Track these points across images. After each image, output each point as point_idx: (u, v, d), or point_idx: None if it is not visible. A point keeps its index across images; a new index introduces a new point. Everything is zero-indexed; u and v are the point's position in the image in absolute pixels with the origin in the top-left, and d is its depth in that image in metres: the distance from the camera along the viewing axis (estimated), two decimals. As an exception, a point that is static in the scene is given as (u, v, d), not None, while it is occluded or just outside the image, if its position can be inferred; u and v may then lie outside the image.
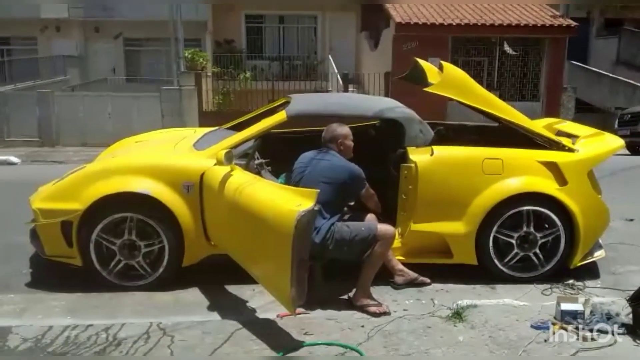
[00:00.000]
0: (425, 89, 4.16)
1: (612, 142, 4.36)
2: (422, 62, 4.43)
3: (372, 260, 3.49)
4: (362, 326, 3.26)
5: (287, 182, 4.29)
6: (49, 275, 4.09)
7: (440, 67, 4.19)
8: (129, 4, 17.82)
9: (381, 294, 3.71)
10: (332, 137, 3.70)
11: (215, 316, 3.44)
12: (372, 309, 3.45)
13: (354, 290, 3.58)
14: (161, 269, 3.83)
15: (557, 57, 15.30)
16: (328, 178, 3.53)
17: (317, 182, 3.48)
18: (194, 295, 3.76)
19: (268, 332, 3.20)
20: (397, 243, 3.89)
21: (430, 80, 4.29)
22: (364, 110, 4.32)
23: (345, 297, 3.65)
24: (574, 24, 15.17)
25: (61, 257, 3.87)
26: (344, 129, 3.74)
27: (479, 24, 14.68)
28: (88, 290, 3.80)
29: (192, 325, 3.27)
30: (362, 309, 3.47)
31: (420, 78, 4.46)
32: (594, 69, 17.55)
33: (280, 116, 4.04)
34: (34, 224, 3.89)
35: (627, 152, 10.80)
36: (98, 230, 3.74)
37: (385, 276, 3.83)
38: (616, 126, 11.78)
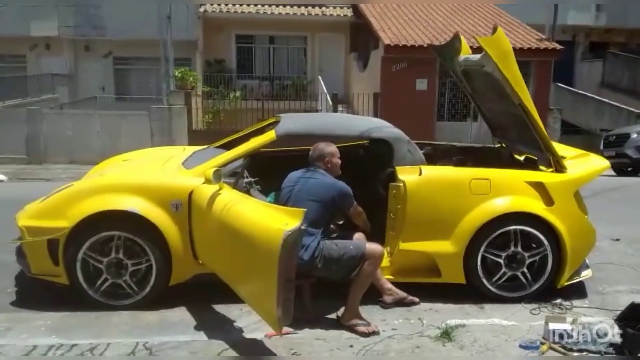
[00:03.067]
0: (478, 39, 3.88)
1: (598, 163, 4.42)
2: (463, 39, 4.45)
3: (361, 279, 3.48)
4: (351, 346, 3.25)
5: (276, 200, 4.29)
6: (34, 293, 4.03)
7: (495, 29, 3.98)
8: (120, 23, 17.86)
9: (370, 313, 3.70)
10: (319, 155, 3.73)
11: (201, 336, 3.41)
12: (361, 328, 3.44)
13: (342, 309, 3.56)
14: (148, 288, 3.79)
15: (543, 79, 15.53)
16: (316, 196, 3.53)
17: (305, 200, 3.49)
18: (180, 315, 3.72)
19: (255, 352, 3.17)
20: (385, 262, 3.89)
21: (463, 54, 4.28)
22: (352, 130, 4.35)
23: (334, 316, 3.64)
24: (559, 47, 15.45)
25: (47, 276, 3.82)
26: (331, 147, 3.76)
27: (466, 46, 14.87)
28: (74, 309, 3.75)
29: (179, 345, 3.24)
30: (351, 328, 3.46)
31: (452, 54, 4.46)
32: (579, 91, 17.84)
33: (270, 135, 4.06)
34: (20, 242, 3.84)
35: (613, 173, 10.92)
36: (85, 248, 3.70)
37: (374, 295, 3.82)
38: (601, 147, 11.92)
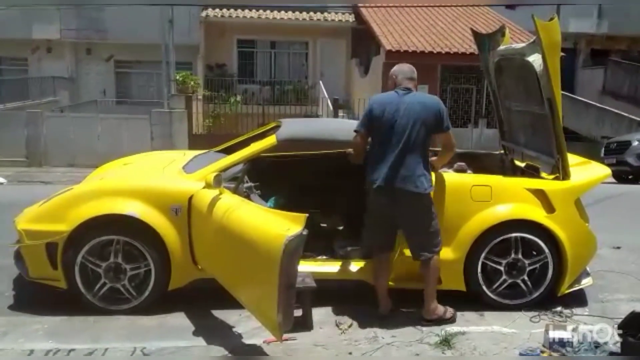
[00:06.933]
0: (535, 21, 3.82)
1: (599, 170, 4.41)
2: (507, 33, 4.53)
3: (431, 274, 3.63)
4: (350, 353, 3.24)
5: (276, 205, 4.29)
6: (32, 297, 4.01)
7: (551, 18, 4.01)
8: (122, 26, 17.90)
9: (370, 318, 3.69)
10: (413, 76, 3.76)
11: (200, 341, 3.39)
12: (448, 315, 3.69)
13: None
14: (147, 293, 3.78)
15: (544, 86, 15.53)
16: (423, 118, 3.56)
17: (415, 121, 3.53)
18: (179, 320, 3.71)
19: (254, 358, 3.15)
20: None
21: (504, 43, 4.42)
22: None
23: (334, 323, 3.62)
24: (560, 54, 15.45)
25: (45, 280, 3.81)
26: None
27: (467, 52, 14.92)
28: (72, 313, 3.73)
29: (177, 351, 3.23)
30: (440, 319, 3.65)
31: (491, 46, 4.54)
32: (580, 98, 17.85)
33: (270, 140, 4.05)
34: (18, 246, 3.83)
35: (614, 181, 10.91)
36: (84, 252, 3.69)
37: (372, 300, 3.81)
38: (602, 155, 11.90)
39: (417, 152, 3.54)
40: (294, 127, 4.39)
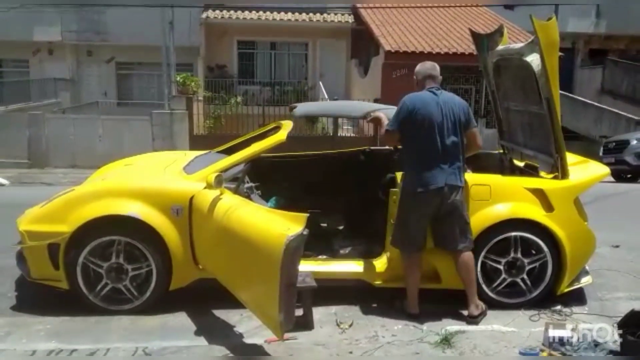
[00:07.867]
0: (534, 21, 3.81)
1: (598, 169, 4.42)
2: (505, 33, 4.57)
3: (470, 271, 3.72)
4: (350, 352, 3.25)
5: (277, 205, 4.31)
6: (34, 298, 4.03)
7: (549, 18, 4.01)
8: (123, 28, 17.94)
9: (370, 317, 3.70)
10: (437, 74, 3.78)
11: (202, 341, 3.41)
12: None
13: (470, 306, 3.74)
14: (148, 293, 3.79)
15: (543, 86, 15.53)
16: (460, 116, 3.67)
17: (456, 120, 3.64)
18: (180, 320, 3.72)
19: (255, 357, 3.17)
20: (386, 268, 3.89)
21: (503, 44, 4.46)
22: (358, 110, 4.46)
23: (334, 322, 3.64)
24: (559, 54, 15.45)
25: (47, 280, 3.82)
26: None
27: (466, 53, 14.94)
28: (74, 314, 3.75)
29: (179, 350, 3.24)
30: (482, 315, 3.74)
31: (490, 46, 4.57)
32: (579, 97, 17.85)
33: (269, 141, 4.08)
34: (20, 246, 3.85)
35: (612, 180, 10.92)
36: (85, 253, 3.71)
37: (374, 299, 3.81)
38: (601, 154, 11.90)
39: (460, 148, 3.69)
40: (308, 105, 4.54)
